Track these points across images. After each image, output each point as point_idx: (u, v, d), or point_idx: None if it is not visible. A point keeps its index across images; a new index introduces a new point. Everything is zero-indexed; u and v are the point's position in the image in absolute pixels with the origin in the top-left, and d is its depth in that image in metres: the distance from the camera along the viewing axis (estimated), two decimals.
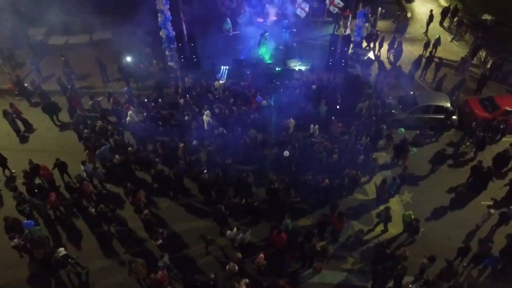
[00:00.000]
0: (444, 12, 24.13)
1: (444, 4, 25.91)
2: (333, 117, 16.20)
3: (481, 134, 15.60)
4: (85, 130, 15.83)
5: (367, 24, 18.21)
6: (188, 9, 20.57)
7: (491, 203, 14.40)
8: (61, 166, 14.67)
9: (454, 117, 17.02)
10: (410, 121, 16.97)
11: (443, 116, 16.95)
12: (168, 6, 17.49)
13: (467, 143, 16.44)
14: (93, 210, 14.18)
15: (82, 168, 14.39)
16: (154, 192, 15.02)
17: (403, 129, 15.98)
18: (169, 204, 14.75)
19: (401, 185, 14.30)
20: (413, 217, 12.79)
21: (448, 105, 17.00)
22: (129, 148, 15.07)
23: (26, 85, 19.15)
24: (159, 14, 17.64)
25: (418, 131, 16.86)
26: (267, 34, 19.91)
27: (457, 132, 17.35)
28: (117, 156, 14.89)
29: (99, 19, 22.55)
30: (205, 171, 14.47)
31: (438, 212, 14.35)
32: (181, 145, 15.25)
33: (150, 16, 19.17)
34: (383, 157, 16.10)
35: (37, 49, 22.16)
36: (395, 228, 13.70)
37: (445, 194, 14.92)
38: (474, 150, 16.11)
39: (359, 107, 16.96)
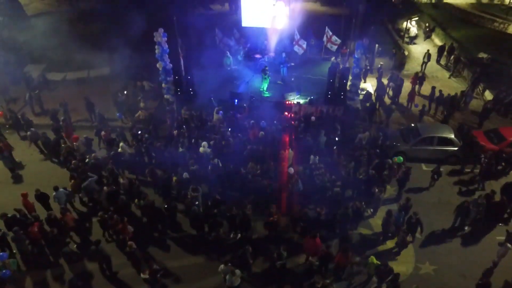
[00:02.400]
0: (441, 50, 24.46)
1: (439, 43, 26.35)
2: (334, 147, 15.55)
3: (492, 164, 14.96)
4: (73, 161, 15.09)
5: (365, 56, 18.15)
6: (186, 46, 20.70)
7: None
8: (42, 197, 13.72)
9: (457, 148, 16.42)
10: (413, 153, 16.35)
11: (447, 148, 16.39)
12: (166, 38, 17.47)
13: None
14: (75, 246, 13.30)
15: (54, 193, 13.54)
16: (142, 226, 13.93)
17: (401, 158, 15.20)
18: (158, 239, 13.64)
19: (406, 216, 13.29)
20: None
21: (452, 136, 16.44)
22: (120, 179, 14.24)
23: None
24: (156, 46, 17.59)
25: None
26: (267, 68, 19.82)
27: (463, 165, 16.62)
28: (105, 188, 14.08)
29: (98, 56, 22.79)
30: (197, 202, 13.51)
31: (450, 249, 13.21)
32: (174, 178, 14.47)
33: (149, 53, 19.37)
34: (387, 190, 15.19)
35: (33, 85, 21.97)
36: (405, 266, 12.55)
37: (457, 229, 13.86)
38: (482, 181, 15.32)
39: (358, 138, 16.37)
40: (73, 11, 31.81)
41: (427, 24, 28.33)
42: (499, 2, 34.36)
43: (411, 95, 19.80)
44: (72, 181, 14.25)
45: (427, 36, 27.86)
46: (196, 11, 28.81)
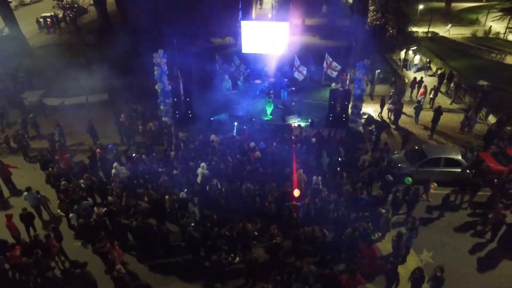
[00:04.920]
0: (441, 78, 24.47)
1: (438, 71, 26.43)
2: (337, 168, 14.92)
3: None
4: (63, 182, 14.37)
5: (366, 77, 17.99)
6: (186, 71, 20.70)
7: None
8: (27, 217, 12.97)
9: (467, 170, 15.75)
10: (419, 175, 15.66)
11: (454, 170, 15.74)
12: (165, 60, 17.38)
13: None
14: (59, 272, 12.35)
15: (25, 193, 13.71)
16: (134, 250, 13.01)
17: (410, 179, 14.48)
18: (150, 265, 12.64)
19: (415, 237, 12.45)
20: None
21: (459, 157, 15.86)
22: (109, 198, 13.49)
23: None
24: (155, 68, 17.47)
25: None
26: (271, 92, 19.64)
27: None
28: (95, 208, 13.27)
29: (96, 82, 22.88)
30: (193, 224, 12.66)
31: (466, 274, 12.18)
32: (167, 197, 13.73)
33: (148, 79, 19.40)
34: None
35: (30, 110, 21.76)
36: None
37: (471, 252, 12.96)
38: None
39: (362, 160, 15.78)
40: (77, 43, 32.47)
41: (428, 60, 28.36)
42: (494, 36, 35.21)
43: (424, 92, 21.94)
44: (58, 201, 13.55)
45: (429, 75, 27.69)
46: (197, 45, 29.21)
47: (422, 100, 21.65)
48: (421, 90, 22.19)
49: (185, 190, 13.94)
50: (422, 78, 23.66)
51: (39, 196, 13.94)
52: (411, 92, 23.77)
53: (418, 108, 20.29)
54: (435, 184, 14.52)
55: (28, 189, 13.82)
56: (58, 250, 12.47)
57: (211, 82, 21.03)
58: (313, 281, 10.54)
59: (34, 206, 13.96)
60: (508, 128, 18.41)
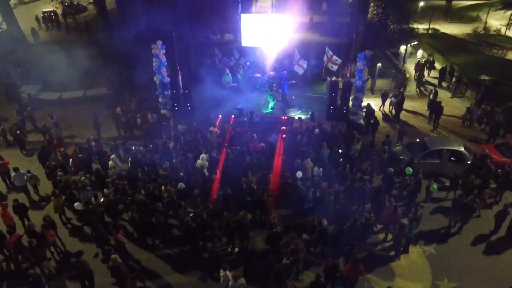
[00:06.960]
0: (442, 72, 24.25)
1: (439, 67, 26.20)
2: (340, 160, 14.70)
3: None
4: (59, 173, 14.11)
5: (367, 67, 17.77)
6: (186, 65, 20.46)
7: None
8: (20, 208, 12.72)
9: (469, 162, 15.53)
10: (421, 168, 15.39)
11: (457, 162, 15.50)
12: (164, 51, 17.16)
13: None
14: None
15: (13, 174, 13.89)
16: (130, 239, 12.74)
17: (411, 169, 14.21)
18: (147, 256, 12.41)
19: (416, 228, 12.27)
20: None
21: (462, 149, 15.64)
22: (105, 190, 13.26)
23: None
24: (154, 59, 17.23)
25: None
26: (274, 85, 19.43)
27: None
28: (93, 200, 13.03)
29: (96, 77, 22.68)
30: (191, 214, 12.42)
31: (469, 265, 11.96)
32: (163, 187, 13.49)
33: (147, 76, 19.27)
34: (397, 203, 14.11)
35: (28, 104, 21.54)
36: (422, 284, 11.32)
37: (473, 244, 12.76)
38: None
39: (354, 149, 15.55)
40: (75, 39, 32.27)
41: (431, 59, 27.91)
42: (495, 33, 35.05)
43: (421, 71, 24.11)
44: (53, 197, 13.10)
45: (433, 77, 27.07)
46: (196, 40, 28.95)
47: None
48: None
49: (181, 174, 13.88)
50: (426, 61, 25.72)
51: (29, 175, 14.02)
52: (416, 75, 24.61)
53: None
54: (435, 187, 14.11)
55: (16, 169, 13.87)
56: (54, 240, 12.25)
57: (211, 76, 20.77)
58: (303, 256, 10.65)
59: (22, 187, 13.95)
60: None
